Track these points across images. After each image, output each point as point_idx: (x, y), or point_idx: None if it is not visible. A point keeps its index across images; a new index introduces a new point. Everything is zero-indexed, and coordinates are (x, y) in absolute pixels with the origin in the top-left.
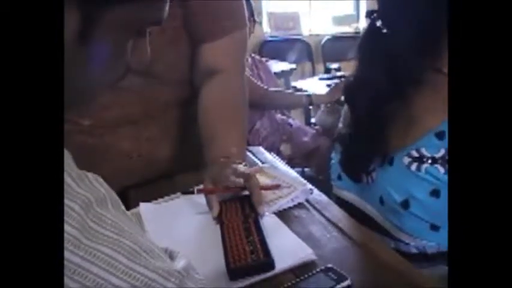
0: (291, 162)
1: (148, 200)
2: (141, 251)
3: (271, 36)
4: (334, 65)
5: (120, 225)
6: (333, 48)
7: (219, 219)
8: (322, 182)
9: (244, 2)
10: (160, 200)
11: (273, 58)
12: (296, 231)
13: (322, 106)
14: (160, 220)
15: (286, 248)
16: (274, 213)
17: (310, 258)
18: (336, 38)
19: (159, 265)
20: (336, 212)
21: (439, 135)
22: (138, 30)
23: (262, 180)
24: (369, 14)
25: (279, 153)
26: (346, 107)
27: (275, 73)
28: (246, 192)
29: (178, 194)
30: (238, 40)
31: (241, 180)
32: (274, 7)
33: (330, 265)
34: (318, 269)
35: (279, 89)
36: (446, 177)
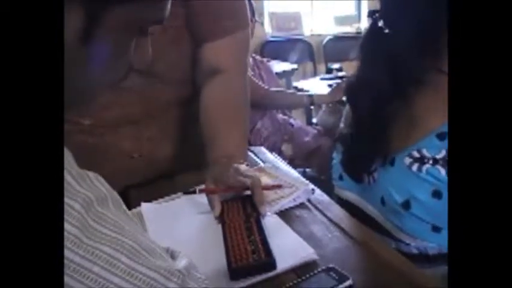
0: (292, 162)
1: (149, 199)
2: (142, 250)
3: (273, 37)
4: (336, 65)
5: (121, 225)
6: (335, 48)
7: (221, 218)
8: (323, 182)
9: (246, 2)
10: (161, 199)
11: (274, 58)
12: (298, 231)
13: (324, 106)
14: (162, 220)
15: (288, 247)
16: (276, 213)
17: (312, 258)
18: (337, 38)
19: (161, 264)
20: (337, 211)
21: (440, 136)
22: (140, 30)
23: (264, 180)
24: (371, 13)
25: (280, 153)
26: (347, 107)
27: (277, 73)
28: (248, 192)
29: (180, 193)
30: (241, 40)
31: (243, 180)
32: (275, 7)
33: (331, 265)
34: (319, 269)
35: (281, 89)
36: (447, 178)
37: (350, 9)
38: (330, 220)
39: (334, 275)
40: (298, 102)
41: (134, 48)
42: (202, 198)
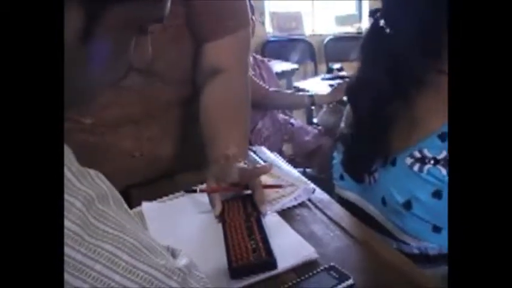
0: (292, 161)
1: (150, 199)
2: (143, 248)
3: (274, 36)
4: (337, 65)
5: (122, 223)
6: (336, 48)
7: (221, 217)
8: (324, 182)
9: (247, 1)
10: (162, 198)
11: (275, 58)
12: (298, 230)
13: (325, 106)
14: (163, 219)
15: (289, 246)
16: (277, 212)
17: (313, 257)
18: (338, 38)
19: (161, 263)
20: (338, 210)
21: (442, 137)
22: (140, 28)
23: (265, 179)
24: (373, 13)
25: (280, 153)
26: (348, 107)
27: (277, 73)
28: (249, 191)
29: (181, 192)
30: (242, 39)
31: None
32: (276, 7)
33: (332, 264)
34: (320, 268)
35: (281, 89)
36: (448, 179)
37: (351, 9)
38: (331, 219)
39: (334, 274)
40: (299, 102)
41: (134, 47)
42: (203, 198)
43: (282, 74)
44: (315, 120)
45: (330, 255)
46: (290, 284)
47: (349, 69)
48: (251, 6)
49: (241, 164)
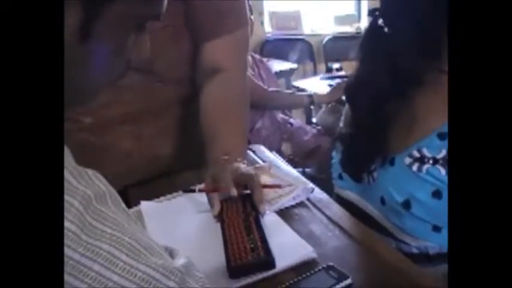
0: (291, 161)
1: (149, 198)
2: (141, 248)
3: (273, 36)
4: (336, 65)
5: (119, 222)
6: (335, 47)
7: (220, 217)
8: (323, 181)
9: (245, 1)
10: (161, 198)
11: (274, 57)
12: (297, 229)
13: (324, 106)
14: (162, 218)
15: (287, 246)
16: (275, 211)
17: (311, 256)
18: (337, 38)
19: (159, 262)
20: (336, 210)
21: (441, 136)
22: (138, 26)
23: (264, 179)
24: (371, 12)
25: (279, 153)
26: (347, 106)
27: (276, 73)
28: (247, 191)
29: (180, 192)
30: (240, 38)
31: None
32: (275, 6)
33: (330, 263)
34: (318, 268)
35: (280, 89)
36: (447, 178)
37: (350, 9)
38: (329, 219)
39: (333, 273)
40: (298, 102)
41: (132, 45)
42: (202, 197)
43: (281, 74)
44: (314, 120)
45: (328, 254)
46: (288, 283)
47: (348, 69)
48: (249, 6)
49: (240, 164)
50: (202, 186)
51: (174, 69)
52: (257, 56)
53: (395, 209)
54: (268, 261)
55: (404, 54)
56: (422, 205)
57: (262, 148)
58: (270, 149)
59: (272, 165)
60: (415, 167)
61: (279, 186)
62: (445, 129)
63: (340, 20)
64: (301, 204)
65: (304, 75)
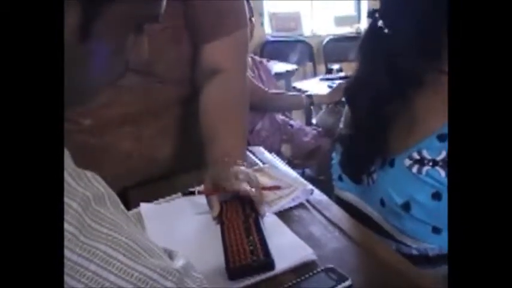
0: (291, 162)
1: (149, 199)
2: (139, 249)
3: (273, 37)
4: (336, 66)
5: (118, 223)
6: (335, 49)
7: (220, 219)
8: (323, 183)
9: (245, 2)
10: (160, 200)
11: (274, 59)
12: (296, 231)
13: (324, 107)
14: (161, 220)
15: (287, 248)
16: (275, 213)
17: (311, 258)
18: (337, 39)
19: (158, 263)
20: (336, 212)
21: (441, 138)
22: (137, 26)
23: (263, 180)
24: (371, 13)
25: (279, 154)
26: (347, 107)
27: (276, 74)
28: None
29: (179, 194)
30: (240, 39)
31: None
32: (275, 8)
33: (330, 265)
34: (318, 269)
35: (280, 90)
36: (447, 180)
37: (350, 10)
38: (329, 220)
39: (333, 275)
40: (297, 103)
41: (131, 46)
42: (202, 199)
43: (281, 75)
44: (314, 121)
45: (328, 256)
46: (288, 285)
47: (348, 70)
48: (250, 8)
49: (240, 166)
50: (201, 188)
51: (173, 70)
52: (257, 58)
53: (395, 210)
54: (268, 262)
55: (404, 55)
56: (422, 207)
57: (262, 149)
58: (270, 150)
59: (272, 166)
60: (414, 169)
61: (278, 188)
62: (444, 130)
63: (340, 21)
64: (300, 206)
65: (304, 77)
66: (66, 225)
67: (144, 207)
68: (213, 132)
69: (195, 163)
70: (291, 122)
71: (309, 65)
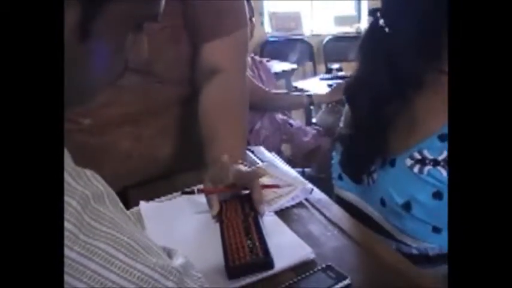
0: (291, 162)
1: (148, 199)
2: (139, 247)
3: (273, 37)
4: (336, 66)
5: (117, 222)
6: (335, 48)
7: (219, 217)
8: (323, 182)
9: (245, 2)
10: (160, 198)
11: (274, 58)
12: (296, 230)
13: (324, 106)
14: (161, 219)
15: (286, 246)
16: (274, 212)
17: (310, 257)
18: (337, 39)
19: (157, 262)
20: (335, 211)
21: (442, 137)
22: (136, 25)
23: (263, 179)
24: (372, 12)
25: (279, 153)
26: (347, 107)
27: (276, 73)
28: (247, 191)
29: (179, 193)
30: (239, 40)
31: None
32: (275, 7)
33: (329, 264)
34: (317, 268)
35: (280, 90)
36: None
37: (350, 10)
38: (328, 219)
39: (332, 274)
40: (297, 103)
41: (130, 45)
42: (201, 198)
43: (281, 74)
44: (314, 121)
45: (327, 255)
46: (287, 283)
47: (348, 70)
48: (251, 8)
49: (240, 166)
50: (201, 187)
51: (173, 70)
52: (257, 58)
53: (396, 210)
54: (267, 261)
55: (404, 55)
56: (423, 206)
57: (262, 149)
58: (270, 149)
59: (271, 165)
60: (416, 169)
61: (278, 187)
62: (445, 130)
63: (340, 20)
64: (300, 205)
65: (304, 76)
66: (65, 224)
67: (143, 206)
68: (213, 132)
69: (194, 163)
70: (291, 121)
71: (309, 64)
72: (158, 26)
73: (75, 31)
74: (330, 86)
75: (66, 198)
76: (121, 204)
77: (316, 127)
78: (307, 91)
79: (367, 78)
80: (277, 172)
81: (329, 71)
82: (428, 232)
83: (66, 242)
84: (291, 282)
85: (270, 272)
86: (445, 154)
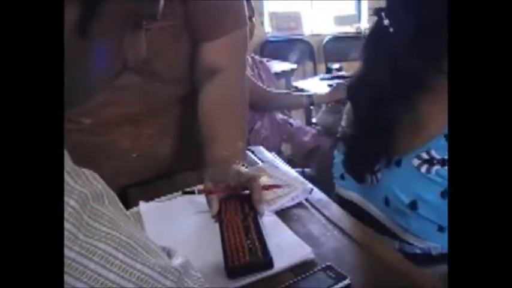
0: (291, 162)
1: (148, 198)
2: (138, 247)
3: (273, 36)
4: (336, 65)
5: (116, 221)
6: (335, 48)
7: (219, 217)
8: (323, 182)
9: (244, 1)
10: (160, 198)
11: (274, 58)
12: (295, 230)
13: (324, 106)
14: (161, 219)
15: (286, 246)
16: (274, 212)
17: (309, 257)
18: (337, 38)
19: (157, 262)
20: (335, 211)
21: None
22: (135, 24)
23: (263, 179)
24: (377, 11)
25: (279, 153)
26: (348, 106)
27: (276, 73)
28: (247, 191)
29: (179, 192)
30: (239, 39)
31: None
32: (275, 7)
33: (329, 264)
34: (317, 268)
35: (280, 90)
36: None
37: (350, 9)
38: (328, 219)
39: (331, 274)
40: (297, 102)
41: (129, 44)
42: (201, 198)
43: (281, 74)
44: (314, 120)
45: (327, 255)
46: (287, 283)
47: (348, 69)
48: (251, 8)
49: (239, 166)
50: (201, 187)
51: (173, 70)
52: (257, 57)
53: (400, 209)
54: (266, 261)
55: (409, 55)
56: (430, 205)
57: (262, 149)
58: (270, 149)
59: (271, 165)
60: (423, 169)
61: (278, 187)
62: None
63: (340, 20)
64: (300, 205)
65: (304, 76)
66: (64, 223)
67: (143, 206)
68: (213, 132)
69: (194, 162)
70: (291, 121)
71: (309, 64)
72: (158, 25)
73: (74, 29)
74: (330, 86)
75: (65, 198)
76: (120, 204)
77: (316, 127)
78: (307, 91)
79: (371, 78)
80: (277, 172)
81: (329, 70)
82: (433, 231)
83: (65, 241)
84: (290, 282)
85: (270, 272)
86: None
